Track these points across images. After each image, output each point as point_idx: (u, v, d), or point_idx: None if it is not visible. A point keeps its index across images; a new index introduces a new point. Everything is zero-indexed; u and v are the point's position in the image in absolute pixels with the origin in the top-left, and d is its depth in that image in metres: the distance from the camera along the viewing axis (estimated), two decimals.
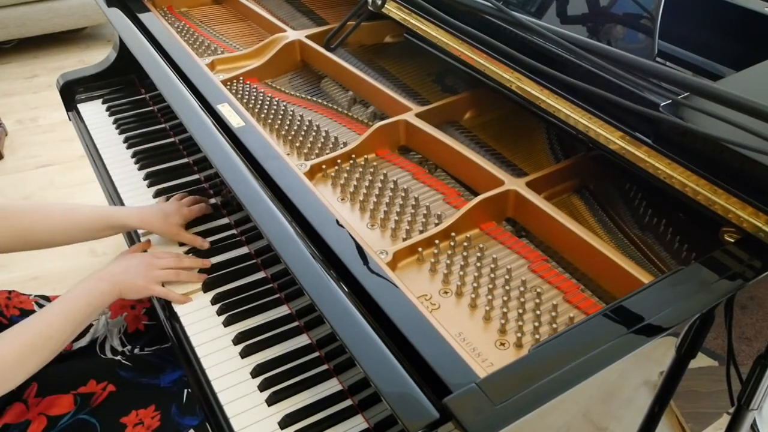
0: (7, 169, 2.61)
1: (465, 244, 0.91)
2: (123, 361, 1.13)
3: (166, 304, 1.10)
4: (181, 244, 1.20)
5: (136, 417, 1.05)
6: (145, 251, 1.18)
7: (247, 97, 1.22)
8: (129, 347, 1.19)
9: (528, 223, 0.93)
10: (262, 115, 1.17)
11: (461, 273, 0.86)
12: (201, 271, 1.14)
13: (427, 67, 1.29)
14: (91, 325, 1.21)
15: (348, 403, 0.93)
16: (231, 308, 1.07)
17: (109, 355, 1.17)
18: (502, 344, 0.77)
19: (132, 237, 1.27)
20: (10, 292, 1.21)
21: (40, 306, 1.22)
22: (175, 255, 1.14)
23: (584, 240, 0.84)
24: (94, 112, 1.63)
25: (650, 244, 0.89)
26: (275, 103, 1.20)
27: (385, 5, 1.18)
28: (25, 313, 1.19)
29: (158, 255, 1.12)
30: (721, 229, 0.78)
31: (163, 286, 1.10)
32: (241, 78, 1.26)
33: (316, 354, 1.00)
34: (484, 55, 1.03)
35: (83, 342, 1.18)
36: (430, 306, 0.82)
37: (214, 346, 1.02)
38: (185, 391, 1.10)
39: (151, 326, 1.24)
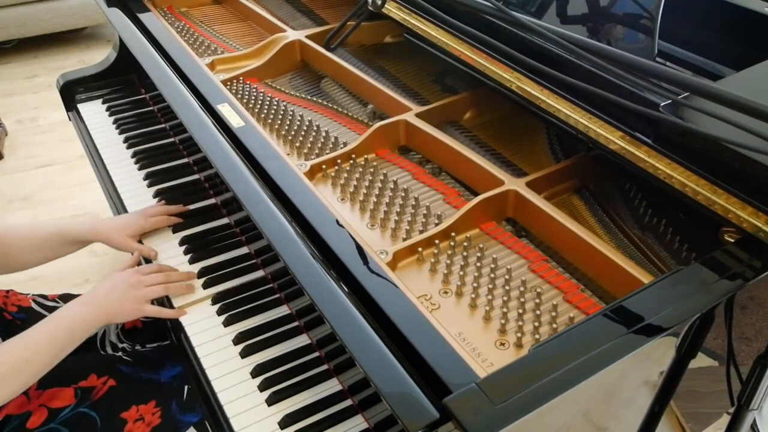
0: (7, 169, 2.61)
1: (465, 244, 0.91)
2: (124, 357, 1.14)
3: (166, 302, 1.10)
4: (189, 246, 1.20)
5: (137, 412, 1.05)
6: (137, 265, 1.16)
7: (247, 97, 1.22)
8: (128, 344, 1.20)
9: (528, 223, 0.93)
10: (262, 115, 1.17)
11: (461, 273, 0.86)
12: (201, 274, 1.14)
13: (427, 67, 1.29)
14: None
15: (348, 403, 0.93)
16: (231, 308, 1.07)
17: (110, 351, 1.18)
18: (502, 344, 0.77)
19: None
20: (8, 291, 1.21)
21: (38, 304, 1.22)
22: (158, 268, 1.11)
23: (584, 240, 0.84)
24: (94, 112, 1.63)
25: (650, 244, 0.89)
26: (275, 103, 1.20)
27: (385, 5, 1.18)
28: (24, 310, 1.19)
29: (143, 271, 1.08)
30: (721, 229, 0.78)
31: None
32: (241, 78, 1.26)
33: (316, 354, 1.00)
34: (484, 55, 1.03)
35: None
36: (430, 306, 0.82)
37: (214, 346, 1.02)
38: (185, 387, 1.10)
39: (149, 323, 1.25)
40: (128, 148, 1.48)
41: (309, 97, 1.25)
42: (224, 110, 1.09)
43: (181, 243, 1.21)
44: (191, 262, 1.17)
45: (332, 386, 0.95)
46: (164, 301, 1.10)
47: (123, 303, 1.03)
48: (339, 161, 1.04)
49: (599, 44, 0.82)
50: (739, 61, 0.93)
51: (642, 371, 0.76)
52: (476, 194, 0.95)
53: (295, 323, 1.05)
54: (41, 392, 1.04)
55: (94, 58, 3.02)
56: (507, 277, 0.85)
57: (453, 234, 0.91)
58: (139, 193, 1.35)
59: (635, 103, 0.80)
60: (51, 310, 1.20)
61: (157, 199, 1.32)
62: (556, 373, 0.62)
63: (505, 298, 0.82)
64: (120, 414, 1.04)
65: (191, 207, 1.29)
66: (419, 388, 0.66)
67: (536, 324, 0.79)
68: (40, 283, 2.05)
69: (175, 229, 1.24)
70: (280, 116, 1.16)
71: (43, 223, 1.18)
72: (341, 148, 1.07)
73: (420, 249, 0.88)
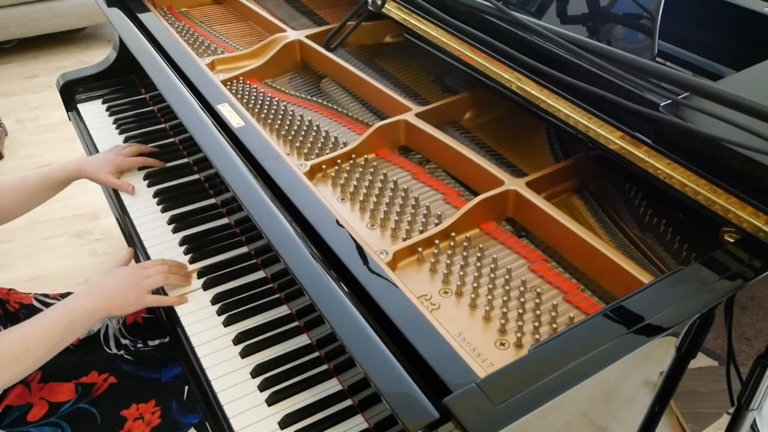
0: (7, 169, 2.61)
1: (465, 244, 0.91)
2: (125, 356, 1.14)
3: (161, 292, 1.10)
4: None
5: (137, 411, 1.05)
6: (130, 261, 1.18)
7: (247, 97, 1.22)
8: (130, 341, 1.20)
9: (528, 223, 0.93)
10: (262, 115, 1.17)
11: (461, 273, 0.86)
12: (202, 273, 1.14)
13: (427, 67, 1.29)
14: None
15: (348, 403, 0.93)
16: (231, 308, 1.07)
17: (114, 349, 1.18)
18: (502, 344, 0.77)
19: (130, 233, 1.26)
20: (9, 290, 1.21)
21: (40, 302, 1.22)
22: (161, 261, 1.12)
23: (584, 240, 0.84)
24: (94, 112, 1.63)
25: (650, 244, 0.89)
26: (275, 103, 1.20)
27: (385, 5, 1.18)
28: (25, 307, 1.19)
29: (145, 266, 1.10)
30: (721, 229, 0.78)
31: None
32: (241, 78, 1.26)
33: (316, 354, 1.00)
34: (484, 55, 1.03)
35: (82, 334, 1.19)
36: (430, 306, 0.82)
37: (214, 346, 1.02)
38: (186, 387, 1.10)
39: (151, 319, 1.25)
40: None
41: (309, 97, 1.25)
42: (224, 110, 1.09)
43: (181, 243, 1.21)
44: (191, 262, 1.17)
45: (332, 386, 0.95)
46: (160, 292, 1.11)
47: (125, 295, 1.04)
48: (339, 161, 1.04)
49: (599, 44, 0.82)
50: (739, 61, 0.93)
51: (642, 371, 0.76)
52: (476, 194, 0.95)
53: (295, 323, 1.05)
54: (42, 385, 1.05)
55: (94, 58, 3.01)
56: (507, 277, 0.85)
57: (453, 234, 0.91)
58: (139, 193, 1.35)
59: (635, 103, 0.80)
60: None
61: (156, 200, 1.32)
62: (556, 373, 0.62)
63: (505, 298, 0.82)
64: (120, 412, 1.05)
65: (192, 207, 1.29)
66: (419, 388, 0.66)
67: (536, 324, 0.79)
68: (40, 283, 2.05)
69: (176, 229, 1.24)
70: (280, 116, 1.16)
71: (30, 173, 1.26)
72: (341, 148, 1.07)
73: (420, 249, 0.88)
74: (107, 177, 1.32)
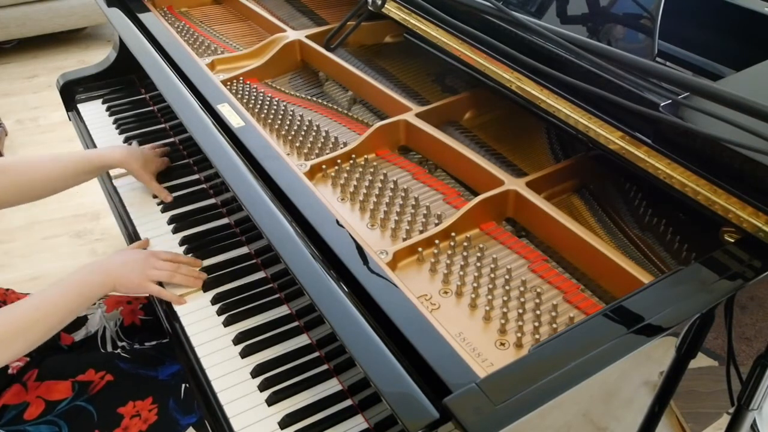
0: None
1: (465, 244, 0.91)
2: (122, 354, 1.14)
3: (165, 301, 1.10)
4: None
5: (134, 408, 1.06)
6: (145, 249, 1.18)
7: (247, 97, 1.22)
8: (127, 342, 1.20)
9: (528, 223, 0.93)
10: (262, 115, 1.17)
11: (461, 273, 0.86)
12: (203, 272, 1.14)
13: (427, 67, 1.29)
14: (86, 318, 1.21)
15: (348, 403, 0.93)
16: (231, 308, 1.07)
17: (110, 349, 1.18)
18: (502, 344, 0.77)
19: (130, 234, 1.27)
20: (6, 290, 1.21)
21: None
22: (173, 255, 1.14)
23: (584, 240, 0.84)
24: (94, 112, 1.63)
25: (650, 244, 0.89)
26: (275, 103, 1.20)
27: (385, 5, 1.18)
28: None
29: (157, 254, 1.12)
30: (721, 229, 0.78)
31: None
32: (241, 78, 1.26)
33: (316, 354, 1.00)
34: (484, 55, 1.03)
35: (79, 335, 1.19)
36: (430, 306, 0.82)
37: (214, 346, 1.02)
38: (183, 385, 1.11)
39: (148, 321, 1.25)
40: None
41: (309, 97, 1.25)
42: (224, 110, 1.09)
43: (181, 243, 1.21)
44: None
45: (332, 386, 0.96)
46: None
47: (130, 275, 1.06)
48: (339, 161, 1.04)
49: (599, 44, 0.82)
50: (739, 61, 0.93)
51: (642, 371, 0.76)
52: (476, 194, 0.95)
53: (295, 323, 1.05)
54: (39, 384, 1.05)
55: (94, 58, 3.01)
56: (507, 277, 0.85)
57: (453, 234, 0.91)
58: (139, 193, 1.35)
59: (635, 103, 0.80)
60: None
61: (157, 200, 1.32)
62: (556, 373, 0.62)
63: (505, 298, 0.82)
64: (117, 409, 1.05)
65: (192, 207, 1.29)
66: (419, 388, 0.66)
67: (536, 324, 0.79)
68: (40, 283, 2.05)
69: (176, 229, 1.24)
70: (280, 116, 1.16)
71: (67, 153, 1.24)
72: (341, 148, 1.07)
73: (420, 249, 0.88)
74: (151, 179, 1.29)
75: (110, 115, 1.60)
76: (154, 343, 1.20)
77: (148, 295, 1.13)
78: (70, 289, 1.00)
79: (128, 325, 1.24)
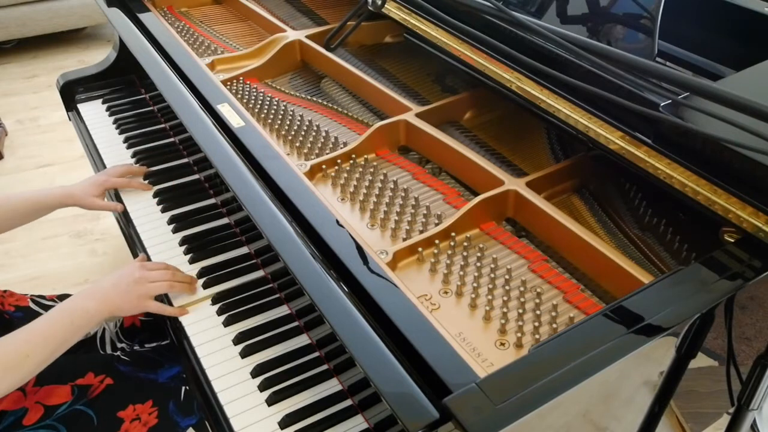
0: (7, 169, 2.61)
1: (465, 244, 0.91)
2: (122, 356, 1.14)
3: (165, 300, 1.10)
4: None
5: (134, 412, 1.05)
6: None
7: (247, 97, 1.22)
8: (127, 344, 1.20)
9: (528, 223, 0.93)
10: (262, 115, 1.17)
11: (461, 273, 0.86)
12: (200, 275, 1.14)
13: (427, 67, 1.29)
14: None
15: (348, 403, 0.93)
16: (231, 308, 1.07)
17: (109, 350, 1.18)
18: (502, 344, 0.77)
19: (131, 233, 1.26)
20: (4, 291, 1.21)
21: (36, 304, 1.22)
22: (165, 266, 1.11)
23: (584, 240, 0.84)
24: (94, 112, 1.63)
25: (650, 244, 0.89)
26: (275, 103, 1.20)
27: (385, 5, 1.18)
28: (21, 309, 1.19)
29: (149, 267, 1.08)
30: (721, 229, 0.78)
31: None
32: (241, 78, 1.26)
33: (316, 354, 1.00)
34: (484, 55, 1.03)
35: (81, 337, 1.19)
36: (430, 306, 0.82)
37: (214, 346, 1.02)
38: (183, 388, 1.10)
39: (148, 322, 1.25)
40: (128, 148, 1.48)
41: (309, 97, 1.25)
42: (224, 110, 1.09)
43: (181, 243, 1.21)
44: (191, 262, 1.17)
45: (332, 386, 0.95)
46: (164, 299, 1.10)
47: (127, 297, 1.02)
48: (339, 161, 1.04)
49: (599, 44, 0.82)
50: (739, 61, 0.93)
51: (642, 371, 0.76)
52: (476, 194, 0.95)
53: (295, 323, 1.05)
54: (38, 389, 1.04)
55: (94, 58, 3.02)
56: (507, 277, 0.85)
57: (453, 234, 0.91)
58: (139, 193, 1.35)
59: (635, 103, 0.80)
60: (49, 309, 1.20)
61: (156, 200, 1.32)
62: (556, 373, 0.62)
63: (505, 298, 0.82)
64: (117, 413, 1.04)
65: (192, 207, 1.29)
66: (419, 388, 0.66)
67: (536, 324, 0.79)
68: (39, 283, 2.05)
69: (176, 229, 1.24)
70: (280, 116, 1.16)
71: (15, 193, 1.24)
72: (341, 148, 1.07)
73: (420, 249, 0.88)
74: (93, 201, 1.29)
75: (110, 115, 1.60)
76: (153, 345, 1.20)
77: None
78: (62, 319, 0.96)
79: (128, 327, 1.23)
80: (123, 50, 1.62)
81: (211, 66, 1.28)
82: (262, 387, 0.95)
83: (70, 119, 1.66)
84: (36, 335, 0.93)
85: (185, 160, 1.43)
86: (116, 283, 1.03)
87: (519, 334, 0.77)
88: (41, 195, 1.25)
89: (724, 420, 0.95)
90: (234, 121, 1.06)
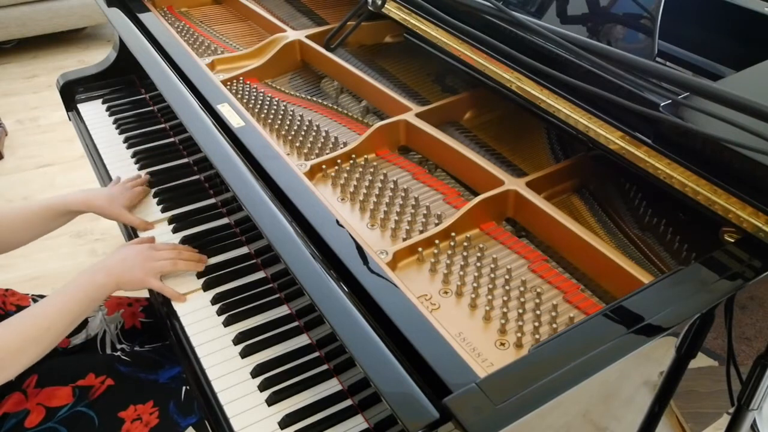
0: (7, 169, 2.61)
1: (465, 244, 0.91)
2: (122, 357, 1.14)
3: (165, 302, 1.10)
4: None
5: (135, 412, 1.05)
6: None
7: (247, 97, 1.22)
8: (127, 345, 1.20)
9: (528, 223, 0.93)
10: (262, 115, 1.17)
11: (461, 273, 0.86)
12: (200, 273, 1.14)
13: (427, 67, 1.29)
14: (86, 322, 1.21)
15: (348, 403, 0.93)
16: (231, 308, 1.07)
17: (109, 351, 1.18)
18: (502, 344, 0.77)
19: (130, 233, 1.26)
20: (6, 290, 1.21)
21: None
22: (172, 246, 1.14)
23: (584, 240, 0.84)
24: (94, 112, 1.63)
25: (650, 244, 0.89)
26: (275, 103, 1.20)
27: (385, 5, 1.18)
28: (22, 309, 1.19)
29: (157, 247, 1.12)
30: (721, 229, 0.78)
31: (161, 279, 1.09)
32: (241, 78, 1.26)
33: (316, 354, 1.00)
34: (484, 55, 1.03)
35: (79, 339, 1.19)
36: (430, 306, 0.82)
37: (214, 346, 1.02)
38: (183, 388, 1.10)
39: (148, 324, 1.25)
40: (128, 148, 1.48)
41: (309, 97, 1.25)
42: (224, 110, 1.09)
43: (181, 243, 1.21)
44: None
45: (332, 386, 0.95)
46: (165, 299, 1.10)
47: (132, 271, 1.06)
48: (339, 161, 1.04)
49: (599, 44, 0.82)
50: (739, 61, 0.93)
51: (642, 371, 0.76)
52: (476, 194, 0.95)
53: (295, 323, 1.05)
54: (39, 391, 1.04)
55: (94, 58, 3.02)
56: (507, 277, 0.85)
57: (453, 234, 0.91)
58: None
59: (635, 103, 0.80)
60: None
61: (156, 200, 1.32)
62: (556, 373, 0.62)
63: (505, 298, 0.82)
64: (118, 413, 1.05)
65: (192, 207, 1.29)
66: (419, 388, 0.66)
67: (536, 324, 0.79)
68: (40, 283, 2.06)
69: (176, 229, 1.24)
70: (280, 116, 1.16)
71: (33, 202, 1.22)
72: (341, 148, 1.07)
73: (420, 249, 0.88)
74: (121, 212, 1.24)
75: (110, 115, 1.60)
76: (153, 346, 1.20)
77: (149, 296, 1.13)
78: (75, 293, 1.00)
79: (129, 328, 1.23)
80: (123, 50, 1.62)
81: (211, 66, 1.28)
82: (262, 387, 0.95)
83: (70, 119, 1.66)
84: (54, 309, 0.97)
85: (185, 160, 1.43)
86: (124, 258, 1.07)
87: (519, 334, 0.77)
88: (59, 202, 1.21)
89: (724, 420, 0.95)
90: (234, 121, 1.06)
